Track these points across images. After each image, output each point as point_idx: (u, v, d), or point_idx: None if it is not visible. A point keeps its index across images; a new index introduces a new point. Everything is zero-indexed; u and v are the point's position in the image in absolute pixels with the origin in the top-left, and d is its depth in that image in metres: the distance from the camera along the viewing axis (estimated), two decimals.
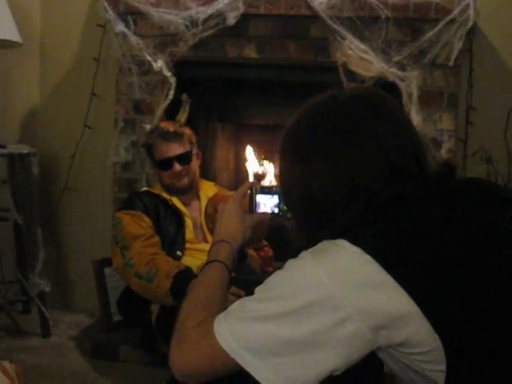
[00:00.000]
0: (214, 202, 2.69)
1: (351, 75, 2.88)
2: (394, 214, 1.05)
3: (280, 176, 1.22)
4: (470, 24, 2.81)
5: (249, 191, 1.56)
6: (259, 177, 3.53)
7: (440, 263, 1.00)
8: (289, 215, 1.46)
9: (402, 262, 0.99)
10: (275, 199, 1.58)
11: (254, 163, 3.54)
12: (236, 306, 1.08)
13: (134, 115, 3.13)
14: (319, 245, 1.06)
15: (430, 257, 1.00)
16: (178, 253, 2.59)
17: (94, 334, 2.89)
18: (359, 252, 1.00)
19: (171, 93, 3.01)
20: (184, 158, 2.68)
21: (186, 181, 2.70)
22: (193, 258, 2.59)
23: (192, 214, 2.74)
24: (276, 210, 1.58)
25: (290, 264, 1.07)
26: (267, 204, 1.55)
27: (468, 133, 3.02)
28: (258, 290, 1.08)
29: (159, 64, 2.95)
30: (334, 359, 0.99)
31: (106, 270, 2.89)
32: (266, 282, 1.08)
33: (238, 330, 1.03)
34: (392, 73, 2.87)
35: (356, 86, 2.59)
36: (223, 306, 1.20)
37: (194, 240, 2.67)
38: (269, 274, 2.66)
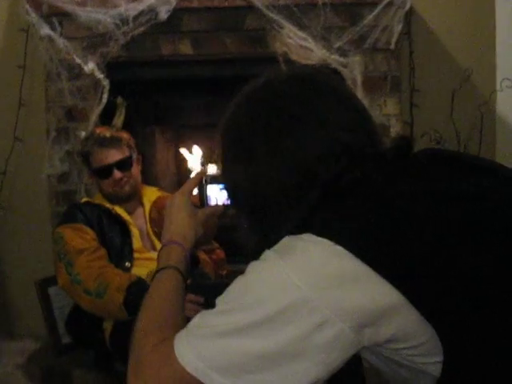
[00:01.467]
0: (157, 205, 2.59)
1: (292, 64, 2.80)
2: (360, 198, 0.94)
3: (222, 174, 1.10)
4: (408, 6, 2.78)
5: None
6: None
7: (422, 245, 0.89)
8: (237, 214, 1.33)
9: (379, 249, 0.89)
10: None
11: (195, 165, 3.42)
12: (197, 321, 0.95)
13: (66, 123, 2.96)
14: (282, 242, 0.95)
15: (410, 239, 0.90)
16: (127, 264, 2.47)
17: (43, 360, 2.71)
18: (329, 244, 0.89)
19: (105, 96, 2.86)
20: (124, 164, 2.54)
21: (127, 188, 2.56)
22: (143, 268, 2.48)
23: (137, 223, 2.61)
24: (229, 202, 1.43)
25: (253, 267, 0.94)
26: (219, 196, 1.41)
27: (413, 115, 2.99)
28: (220, 300, 0.95)
29: (90, 66, 2.79)
30: (315, 369, 0.88)
31: (51, 290, 2.71)
32: (227, 290, 0.96)
33: (203, 348, 0.91)
34: (334, 60, 2.80)
35: (292, 66, 2.49)
36: (182, 319, 1.07)
37: (142, 249, 2.56)
38: (223, 277, 2.59)
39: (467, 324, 0.88)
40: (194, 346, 0.91)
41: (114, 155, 2.52)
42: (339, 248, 0.88)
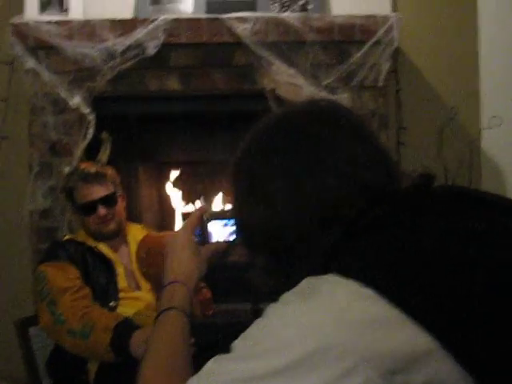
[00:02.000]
0: (146, 244, 2.52)
1: (280, 102, 2.79)
2: (385, 238, 0.89)
3: (236, 214, 1.04)
4: (395, 44, 2.81)
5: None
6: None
7: (455, 287, 0.84)
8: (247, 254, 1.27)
9: (410, 292, 0.83)
10: (229, 226, 1.39)
11: (179, 202, 3.37)
12: (210, 366, 0.88)
13: (50, 158, 2.89)
14: (303, 284, 0.89)
15: (444, 281, 0.85)
16: (112, 304, 2.39)
17: None
18: (357, 286, 0.83)
19: (90, 131, 2.80)
20: (108, 201, 2.48)
21: (112, 225, 2.50)
22: (128, 308, 2.41)
23: (122, 260, 2.54)
24: (231, 238, 1.38)
25: (274, 311, 0.88)
26: (220, 233, 1.36)
27: (401, 153, 2.99)
28: (237, 346, 0.88)
29: (76, 101, 2.75)
30: None
31: (31, 330, 2.60)
32: (244, 335, 0.89)
33: None
34: (322, 97, 2.79)
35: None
36: (189, 364, 1.02)
37: (127, 288, 2.48)
38: (209, 317, 2.52)
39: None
40: None
41: (98, 191, 2.46)
42: (368, 291, 0.83)
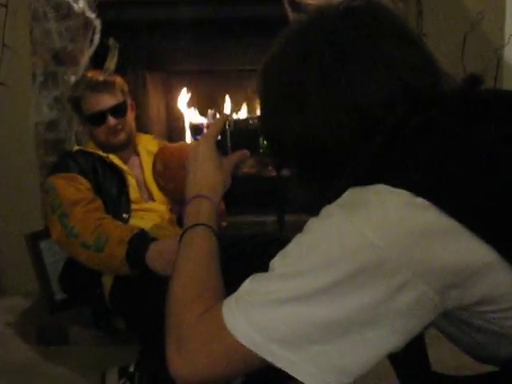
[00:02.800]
0: (163, 156, 2.42)
1: (296, 5, 2.64)
2: (435, 144, 0.82)
3: (264, 122, 0.97)
4: None
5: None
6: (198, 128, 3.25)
7: None
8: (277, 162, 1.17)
9: (468, 201, 0.77)
10: (252, 135, 1.30)
11: (191, 113, 3.26)
12: (249, 287, 0.84)
13: (54, 67, 2.78)
14: (347, 196, 0.83)
15: (504, 189, 0.78)
16: (124, 215, 2.34)
17: (36, 318, 2.57)
18: (408, 195, 0.77)
19: (96, 37, 2.68)
20: (118, 110, 2.38)
21: (122, 136, 2.41)
22: (141, 220, 2.36)
23: (133, 172, 2.47)
24: (253, 147, 1.29)
25: (316, 225, 0.83)
26: (244, 142, 1.27)
27: None
28: (278, 264, 0.83)
29: (81, 5, 2.59)
30: (392, 337, 0.78)
31: (42, 244, 2.57)
32: (284, 252, 0.84)
33: (259, 318, 0.79)
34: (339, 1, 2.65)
35: None
36: (222, 284, 0.96)
37: (139, 200, 2.42)
38: (223, 229, 2.47)
39: None
40: (249, 315, 0.80)
41: (107, 100, 2.36)
42: (421, 200, 0.76)
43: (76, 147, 2.53)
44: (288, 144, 0.92)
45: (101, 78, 2.38)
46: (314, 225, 0.83)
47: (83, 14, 2.63)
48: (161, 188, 2.36)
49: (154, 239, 2.13)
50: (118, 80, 2.44)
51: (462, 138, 0.83)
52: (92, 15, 2.63)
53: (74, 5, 2.60)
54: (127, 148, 2.48)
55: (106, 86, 2.37)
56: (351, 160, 0.85)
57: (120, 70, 2.76)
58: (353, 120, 0.85)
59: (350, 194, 0.83)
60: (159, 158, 2.38)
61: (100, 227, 2.15)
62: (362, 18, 0.89)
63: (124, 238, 2.09)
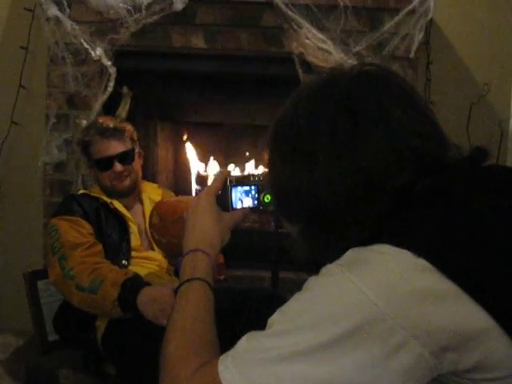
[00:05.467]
0: (159, 210, 2.43)
1: (307, 67, 2.70)
2: (440, 209, 0.84)
3: (272, 177, 0.99)
4: (430, 15, 2.70)
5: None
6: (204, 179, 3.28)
7: None
8: (274, 211, 1.18)
9: (468, 266, 0.78)
10: (254, 192, 1.30)
11: (197, 163, 3.29)
12: (245, 344, 0.85)
13: (67, 110, 2.82)
14: (348, 255, 0.84)
15: (504, 257, 0.80)
16: (124, 262, 2.37)
17: (27, 357, 2.55)
18: (410, 256, 0.78)
19: (111, 85, 2.73)
20: (125, 157, 2.44)
21: (127, 182, 2.46)
22: (140, 268, 2.38)
23: (135, 219, 2.49)
24: (254, 204, 1.30)
25: (316, 283, 0.84)
26: (243, 198, 1.28)
27: None
28: (276, 321, 0.84)
29: (98, 53, 2.66)
30: None
31: (40, 284, 2.57)
32: (283, 309, 0.86)
33: (258, 376, 0.80)
34: (351, 64, 2.70)
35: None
36: (216, 338, 0.97)
37: (139, 248, 2.45)
38: (221, 282, 2.48)
39: None
40: (245, 373, 0.81)
41: (115, 147, 2.41)
42: (423, 262, 0.78)
43: (81, 190, 2.57)
44: (294, 200, 0.94)
45: (111, 124, 2.44)
46: (313, 282, 0.85)
47: (100, 61, 2.69)
48: (155, 241, 2.37)
49: (147, 284, 2.15)
50: (128, 128, 2.49)
51: (467, 206, 0.85)
52: (108, 63, 2.69)
53: (92, 52, 2.67)
54: (131, 195, 2.51)
55: (116, 133, 2.43)
56: (355, 221, 0.87)
57: (131, 117, 2.81)
58: (360, 181, 0.87)
59: (352, 253, 0.84)
60: (155, 211, 2.40)
61: (96, 271, 2.17)
62: (373, 83, 0.93)
63: (118, 280, 2.11)
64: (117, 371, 2.21)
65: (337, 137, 0.88)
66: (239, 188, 1.25)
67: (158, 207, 2.45)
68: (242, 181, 1.27)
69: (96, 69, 2.75)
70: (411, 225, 0.83)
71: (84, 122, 2.72)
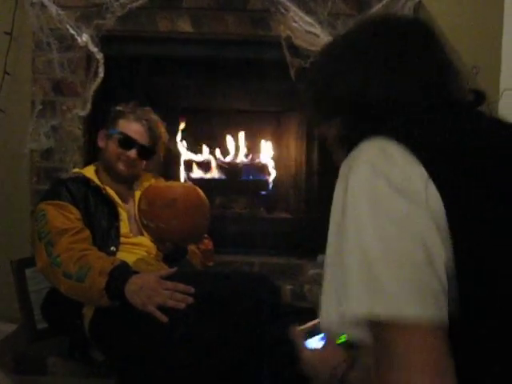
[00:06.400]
0: (148, 195, 2.44)
1: (295, 50, 2.69)
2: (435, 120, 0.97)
3: (323, 80, 1.08)
4: None
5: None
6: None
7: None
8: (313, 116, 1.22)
9: (432, 146, 0.89)
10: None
11: (185, 149, 3.28)
12: (329, 272, 0.89)
13: (53, 97, 2.80)
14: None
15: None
16: (112, 248, 2.35)
17: (15, 345, 2.53)
18: (388, 142, 0.89)
19: (100, 71, 2.69)
20: (146, 152, 2.47)
21: (132, 171, 2.48)
22: (128, 254, 2.37)
23: (125, 205, 2.48)
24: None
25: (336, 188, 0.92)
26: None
27: None
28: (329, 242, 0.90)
29: (84, 38, 2.63)
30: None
31: (28, 271, 2.55)
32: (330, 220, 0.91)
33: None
34: None
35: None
36: None
37: (128, 234, 2.43)
38: (209, 268, 2.46)
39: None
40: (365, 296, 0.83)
41: (143, 136, 2.44)
42: (397, 145, 0.88)
43: (75, 170, 2.55)
44: (342, 99, 1.03)
45: (151, 115, 2.49)
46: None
47: (86, 46, 2.66)
48: (144, 226, 2.36)
49: (135, 272, 2.13)
50: (163, 131, 2.54)
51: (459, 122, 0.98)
52: (94, 49, 2.66)
53: (78, 38, 2.64)
54: (126, 184, 2.50)
55: (151, 125, 2.47)
56: (389, 119, 0.96)
57: (119, 103, 2.79)
58: (402, 89, 0.99)
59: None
60: (144, 196, 2.39)
61: (83, 258, 2.15)
62: (419, 29, 1.07)
63: (105, 269, 2.10)
64: (104, 358, 2.20)
65: (393, 52, 1.01)
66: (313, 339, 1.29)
67: (146, 192, 2.44)
68: (313, 331, 1.29)
69: (82, 55, 2.72)
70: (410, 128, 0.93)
71: (77, 111, 2.72)
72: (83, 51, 2.71)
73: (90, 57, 2.71)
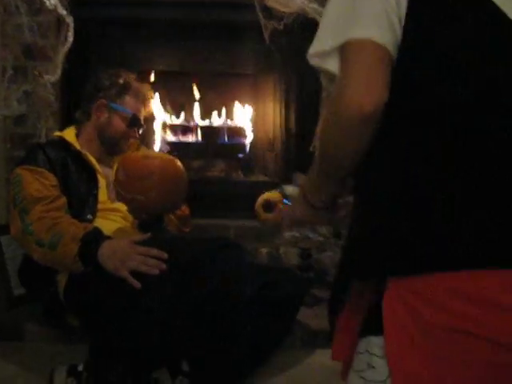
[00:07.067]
0: (125, 166, 2.37)
1: (269, 12, 2.64)
2: None
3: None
4: None
5: None
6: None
7: None
8: None
9: None
10: None
11: (160, 113, 3.25)
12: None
13: (25, 62, 2.76)
14: None
15: None
16: (89, 216, 2.34)
17: None
18: None
19: (70, 35, 2.64)
20: (141, 124, 2.52)
21: (127, 146, 2.53)
22: (105, 220, 2.36)
23: (105, 171, 2.47)
24: None
25: None
26: None
27: None
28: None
29: (53, 1, 2.57)
30: None
31: (3, 239, 2.55)
32: None
33: None
34: (312, 8, 2.64)
35: None
36: None
37: (106, 201, 2.41)
38: (186, 234, 2.45)
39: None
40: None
41: (142, 115, 2.51)
42: None
43: (56, 133, 2.52)
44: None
45: (152, 95, 2.57)
46: None
47: (55, 10, 2.61)
48: (120, 197, 2.33)
49: (107, 237, 2.14)
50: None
51: None
52: (64, 12, 2.60)
53: (46, 1, 2.58)
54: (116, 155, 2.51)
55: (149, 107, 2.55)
56: None
57: (91, 68, 2.76)
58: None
59: None
60: (121, 167, 2.34)
61: (56, 226, 2.15)
62: None
63: (77, 235, 2.10)
64: (80, 323, 2.21)
65: None
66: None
67: (124, 163, 2.39)
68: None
69: (52, 18, 2.69)
70: None
71: (48, 77, 2.68)
72: (53, 15, 2.66)
73: (60, 21, 2.66)
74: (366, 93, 0.94)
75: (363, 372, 0.96)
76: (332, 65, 1.00)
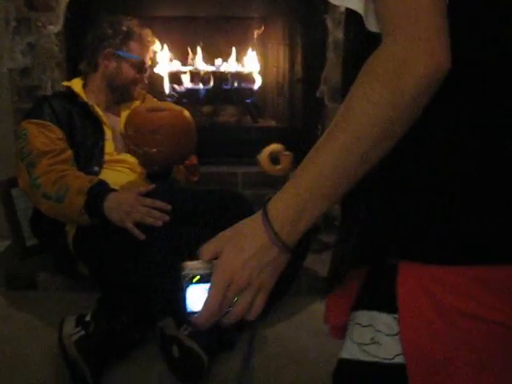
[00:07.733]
0: (134, 121, 2.36)
1: None
2: None
3: None
4: None
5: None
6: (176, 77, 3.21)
7: None
8: None
9: None
10: None
11: (167, 60, 3.21)
12: None
13: (27, 13, 2.72)
14: None
15: None
16: (96, 168, 2.37)
17: (6, 263, 2.60)
18: None
19: None
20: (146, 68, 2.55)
21: (136, 91, 2.57)
22: (112, 171, 2.39)
23: (112, 121, 2.48)
24: None
25: None
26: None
27: None
28: None
29: None
30: None
31: (14, 191, 2.59)
32: None
33: None
34: None
35: None
36: None
37: (112, 153, 2.43)
38: (194, 183, 2.46)
39: None
40: None
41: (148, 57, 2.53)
42: None
43: (65, 83, 2.53)
44: None
45: (154, 40, 2.57)
46: None
47: None
48: (131, 151, 2.34)
49: (113, 190, 2.16)
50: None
51: None
52: None
53: None
54: (123, 103, 2.54)
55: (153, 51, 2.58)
56: None
57: (94, 15, 2.73)
58: None
59: None
60: (131, 122, 2.33)
61: (62, 179, 2.17)
62: None
63: (83, 188, 2.13)
64: (89, 271, 2.26)
65: None
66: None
67: (132, 118, 2.38)
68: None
69: None
70: None
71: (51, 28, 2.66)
72: None
73: None
74: (442, 46, 0.74)
75: (366, 346, 0.89)
76: (355, 3, 0.82)
